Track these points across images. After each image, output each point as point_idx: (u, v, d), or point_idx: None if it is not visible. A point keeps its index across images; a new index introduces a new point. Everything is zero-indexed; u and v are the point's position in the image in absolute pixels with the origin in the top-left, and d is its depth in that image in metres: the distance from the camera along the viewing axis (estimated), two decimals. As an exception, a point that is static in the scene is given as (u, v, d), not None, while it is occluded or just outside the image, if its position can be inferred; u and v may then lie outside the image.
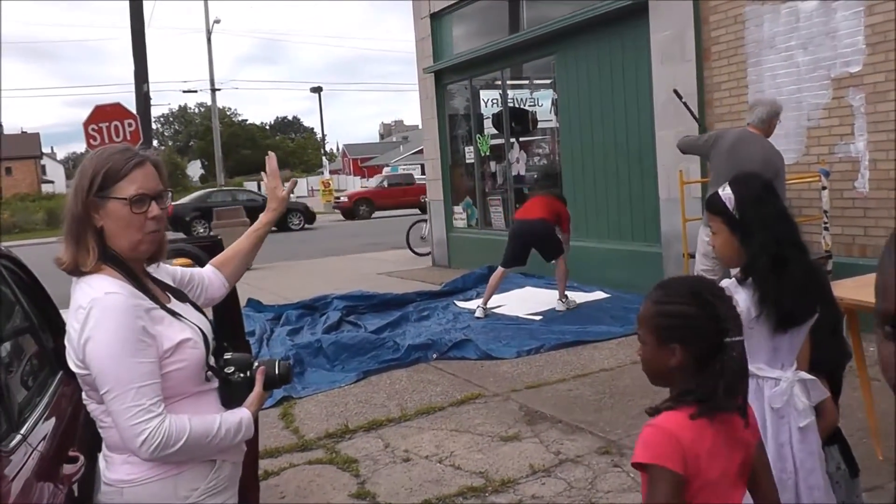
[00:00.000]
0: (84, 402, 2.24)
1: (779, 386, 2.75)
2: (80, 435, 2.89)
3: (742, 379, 2.07)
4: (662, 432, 2.00)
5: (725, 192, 2.87)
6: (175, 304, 2.29)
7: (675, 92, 8.20)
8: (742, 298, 2.70)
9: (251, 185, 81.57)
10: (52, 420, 2.80)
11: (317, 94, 54.63)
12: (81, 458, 2.64)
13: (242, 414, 2.27)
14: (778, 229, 2.80)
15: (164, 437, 2.06)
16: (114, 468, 2.19)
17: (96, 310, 2.06)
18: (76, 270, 2.16)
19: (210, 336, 2.30)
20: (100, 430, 2.23)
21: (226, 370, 2.31)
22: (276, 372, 2.37)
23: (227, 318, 3.43)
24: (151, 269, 2.36)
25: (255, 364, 2.36)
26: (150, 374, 2.07)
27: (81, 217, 2.17)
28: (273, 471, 5.21)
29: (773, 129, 6.61)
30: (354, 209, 36.29)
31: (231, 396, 2.30)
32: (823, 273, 2.88)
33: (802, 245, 2.86)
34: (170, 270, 2.49)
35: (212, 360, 2.30)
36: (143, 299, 2.15)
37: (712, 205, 2.92)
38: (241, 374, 2.32)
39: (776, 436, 2.77)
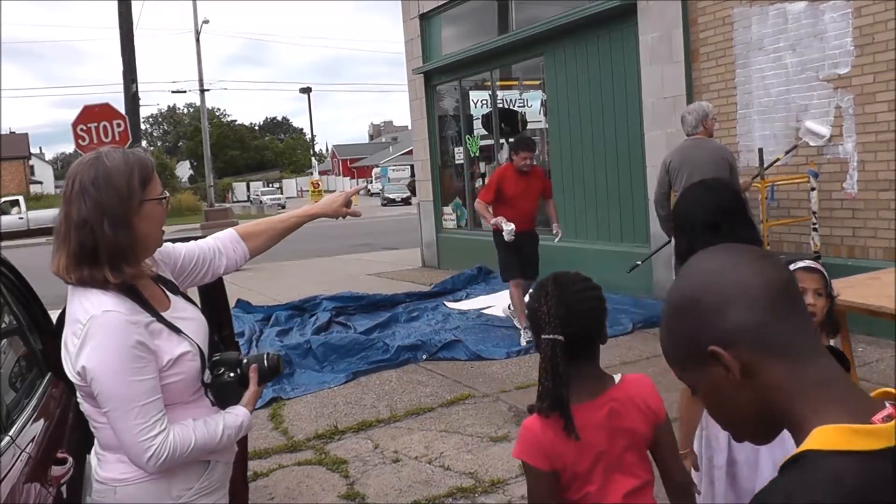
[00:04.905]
0: (79, 400, 2.22)
1: None
2: (68, 436, 2.89)
3: (546, 380, 2.08)
4: (527, 431, 2.13)
5: None
6: (174, 309, 2.26)
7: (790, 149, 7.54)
8: None
9: (240, 186, 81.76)
10: (41, 422, 2.79)
11: (305, 95, 54.52)
12: (70, 459, 2.63)
13: (242, 414, 2.29)
14: (702, 233, 2.76)
15: (170, 450, 2.07)
16: (107, 467, 2.18)
17: (94, 328, 2.03)
18: (83, 283, 2.11)
19: (205, 343, 2.29)
20: (93, 430, 2.22)
21: (216, 371, 2.30)
22: (266, 365, 2.38)
23: (216, 315, 3.42)
24: (155, 257, 2.33)
25: (244, 361, 2.36)
26: (151, 390, 2.06)
27: (123, 225, 2.10)
28: (262, 472, 5.20)
29: (712, 129, 6.86)
30: None
31: (224, 397, 2.30)
32: None
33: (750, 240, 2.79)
34: (172, 254, 2.43)
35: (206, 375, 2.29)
36: (142, 314, 2.12)
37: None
38: (232, 374, 2.32)
39: None
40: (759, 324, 1.14)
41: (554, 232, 8.40)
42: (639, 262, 8.11)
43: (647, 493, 2.21)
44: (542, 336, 2.08)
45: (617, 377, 2.23)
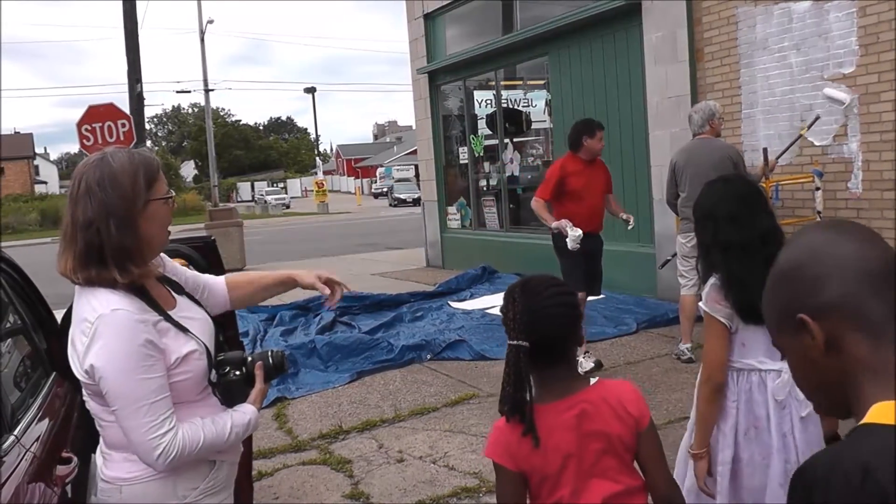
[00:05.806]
0: (84, 399, 2.23)
1: (781, 377, 2.78)
2: (73, 436, 2.89)
3: (508, 385, 2.07)
4: (497, 432, 2.13)
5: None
6: (180, 308, 2.26)
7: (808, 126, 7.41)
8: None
9: (244, 186, 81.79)
10: (46, 421, 2.79)
11: (309, 95, 54.41)
12: (75, 459, 2.64)
13: (249, 412, 2.29)
14: (724, 226, 2.86)
15: (179, 449, 2.07)
16: (112, 466, 2.18)
17: (103, 327, 2.03)
18: (90, 283, 2.11)
19: (212, 343, 2.29)
20: (99, 428, 2.22)
21: (221, 370, 2.30)
22: (271, 362, 2.39)
23: (219, 316, 3.42)
24: (162, 266, 2.33)
25: (249, 359, 2.37)
26: (160, 389, 2.06)
27: (128, 225, 2.10)
28: (266, 471, 5.20)
29: (719, 128, 6.86)
30: None
31: (231, 395, 2.31)
32: None
33: (768, 240, 2.78)
34: (178, 273, 2.45)
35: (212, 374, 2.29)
36: (150, 312, 2.12)
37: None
38: (237, 372, 2.32)
39: (779, 426, 2.80)
40: (852, 299, 1.16)
41: (625, 218, 7.06)
42: (669, 258, 7.92)
43: (635, 499, 2.13)
44: (508, 342, 2.07)
45: (593, 380, 2.18)
